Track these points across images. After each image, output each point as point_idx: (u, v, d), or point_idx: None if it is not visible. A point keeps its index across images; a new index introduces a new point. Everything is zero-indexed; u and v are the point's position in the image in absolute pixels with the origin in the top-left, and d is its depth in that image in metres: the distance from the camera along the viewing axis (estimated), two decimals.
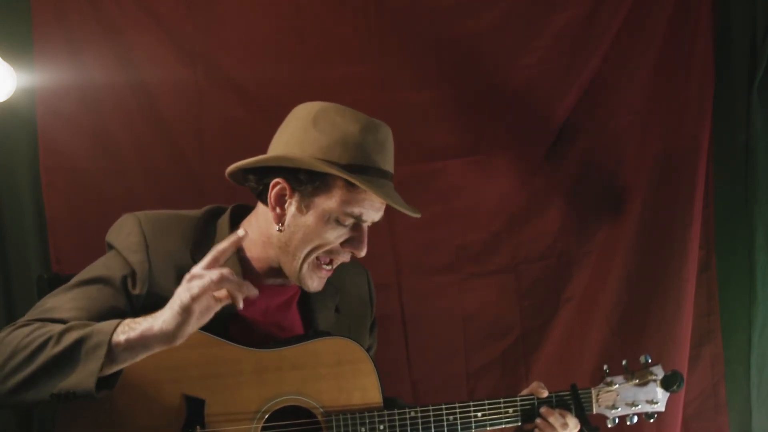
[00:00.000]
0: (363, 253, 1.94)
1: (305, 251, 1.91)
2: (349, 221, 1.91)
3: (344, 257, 1.96)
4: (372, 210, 1.92)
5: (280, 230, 1.92)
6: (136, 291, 1.87)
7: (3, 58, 2.42)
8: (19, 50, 2.57)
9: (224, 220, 2.01)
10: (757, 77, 2.75)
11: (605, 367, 2.17)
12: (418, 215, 1.99)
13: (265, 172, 1.92)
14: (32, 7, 2.62)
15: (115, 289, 1.86)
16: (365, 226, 1.95)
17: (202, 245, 1.92)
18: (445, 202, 2.88)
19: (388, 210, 2.85)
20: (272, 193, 1.90)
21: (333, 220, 1.89)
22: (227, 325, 1.91)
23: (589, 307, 2.88)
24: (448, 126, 2.86)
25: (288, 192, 1.90)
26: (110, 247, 1.95)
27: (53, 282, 2.01)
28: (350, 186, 1.87)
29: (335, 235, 1.91)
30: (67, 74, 2.63)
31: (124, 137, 2.71)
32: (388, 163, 1.96)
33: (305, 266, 1.92)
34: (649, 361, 2.15)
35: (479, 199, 2.88)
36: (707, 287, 2.86)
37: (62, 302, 1.81)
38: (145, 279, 1.87)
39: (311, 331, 2.04)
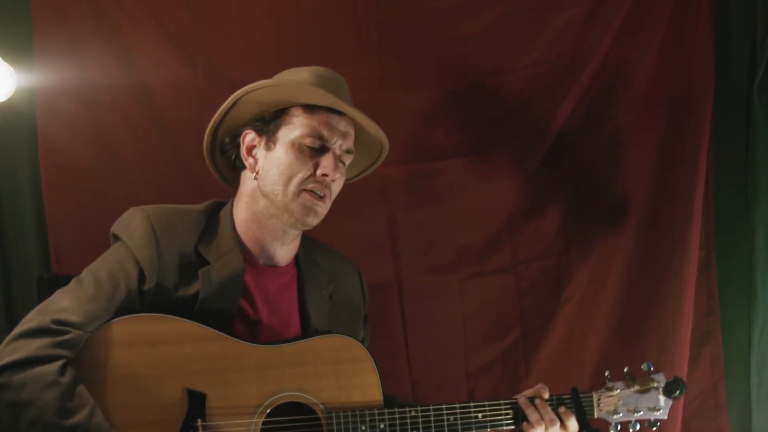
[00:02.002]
0: (333, 174, 1.98)
1: (284, 184, 1.97)
2: (316, 144, 1.98)
3: (322, 186, 1.99)
4: (336, 133, 2.00)
5: (256, 177, 2.00)
6: (146, 287, 1.90)
7: (3, 58, 2.43)
8: (19, 50, 2.58)
9: (226, 211, 2.07)
10: (757, 77, 2.75)
11: (607, 372, 2.17)
12: (372, 128, 2.05)
13: (235, 137, 2.04)
14: (32, 7, 2.64)
15: (129, 288, 1.89)
16: (335, 149, 2.00)
17: (208, 236, 2.00)
18: (445, 202, 2.88)
19: (388, 210, 2.87)
20: (244, 146, 2.02)
21: (300, 146, 1.98)
22: (231, 317, 1.95)
23: (589, 307, 2.87)
24: (448, 126, 2.86)
25: (256, 138, 2.01)
26: (116, 238, 1.97)
27: (53, 282, 2.02)
28: (308, 110, 1.98)
29: (303, 161, 1.97)
30: (67, 74, 2.63)
31: (124, 137, 2.72)
32: (344, 96, 2.02)
33: (295, 202, 1.97)
34: (651, 368, 2.15)
35: (479, 199, 2.88)
36: (707, 287, 2.85)
37: (77, 302, 1.83)
38: (153, 273, 1.90)
39: (312, 328, 2.06)
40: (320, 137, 1.98)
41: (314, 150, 1.98)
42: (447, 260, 2.89)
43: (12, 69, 2.45)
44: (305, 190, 1.98)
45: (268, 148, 2.00)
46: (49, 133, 2.65)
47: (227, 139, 2.07)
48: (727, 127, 2.82)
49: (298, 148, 1.97)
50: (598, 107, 2.87)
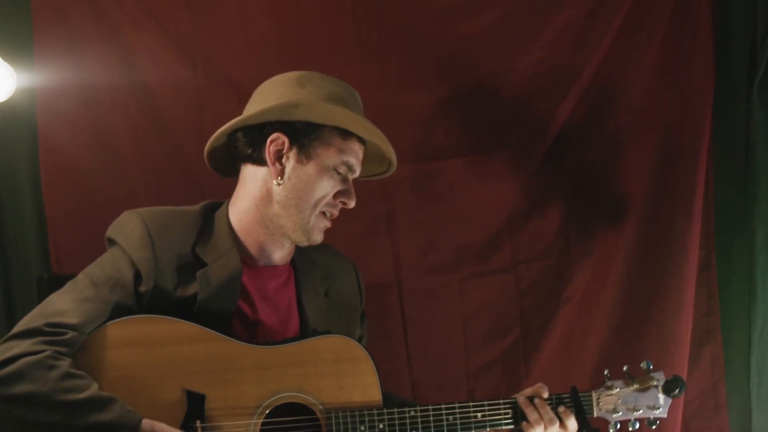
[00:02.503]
0: (353, 203, 2.03)
1: (311, 203, 1.99)
2: (343, 170, 2.01)
3: (336, 210, 2.04)
4: (358, 162, 2.04)
5: (279, 184, 1.98)
6: (143, 288, 1.89)
7: (3, 58, 2.43)
8: (19, 50, 2.58)
9: (222, 212, 2.06)
10: (757, 77, 2.75)
11: (606, 371, 2.17)
12: (391, 154, 2.10)
13: (257, 132, 1.99)
14: (32, 7, 2.64)
15: (126, 290, 1.89)
16: (352, 178, 2.04)
17: (204, 237, 1.99)
18: (445, 202, 2.88)
19: (388, 210, 2.87)
20: (270, 148, 1.97)
21: (331, 169, 1.99)
22: (229, 318, 1.95)
23: (589, 307, 2.87)
24: (448, 126, 2.86)
25: (286, 146, 1.97)
26: (111, 242, 1.97)
27: (53, 282, 2.01)
28: (344, 135, 1.99)
29: (332, 186, 2.00)
30: (67, 74, 2.64)
31: (124, 137, 2.72)
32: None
33: (312, 219, 2.00)
34: (651, 367, 2.14)
35: (479, 199, 2.88)
36: (707, 287, 2.86)
37: (73, 305, 1.83)
38: (151, 275, 1.90)
39: (311, 328, 2.05)
40: (350, 167, 2.02)
41: (340, 176, 2.01)
42: (447, 260, 2.89)
43: (12, 69, 2.45)
44: (322, 212, 2.01)
45: (299, 161, 1.97)
46: (49, 133, 2.65)
47: (240, 137, 2.01)
48: (727, 127, 2.82)
49: (332, 172, 1.99)
50: (598, 107, 2.87)
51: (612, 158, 2.87)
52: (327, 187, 1.99)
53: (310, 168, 1.98)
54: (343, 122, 1.98)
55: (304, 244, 2.04)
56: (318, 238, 2.03)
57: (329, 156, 1.98)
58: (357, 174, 2.06)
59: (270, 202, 2.00)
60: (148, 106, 2.72)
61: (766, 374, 2.80)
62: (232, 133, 2.03)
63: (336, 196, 2.01)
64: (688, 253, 2.79)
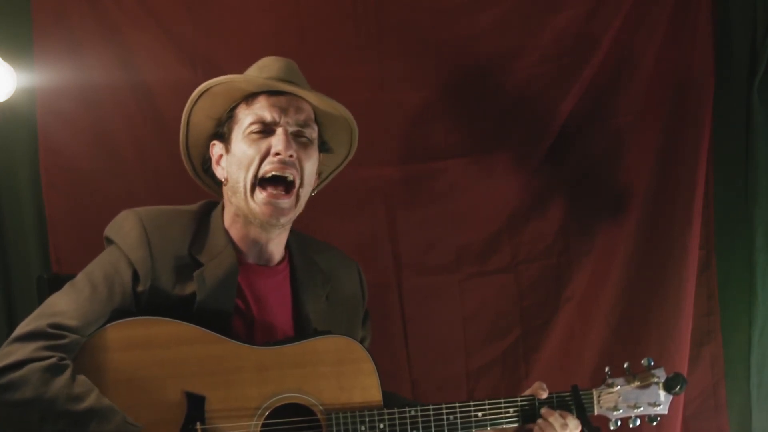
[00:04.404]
0: (284, 151, 1.93)
1: (244, 179, 1.95)
2: (264, 128, 1.96)
3: (275, 165, 1.94)
4: (279, 112, 1.96)
5: (225, 184, 2.01)
6: (141, 288, 1.89)
7: (3, 58, 2.43)
8: (19, 50, 2.58)
9: (217, 212, 2.06)
10: (757, 77, 2.76)
11: (607, 369, 2.17)
12: (318, 100, 2.02)
13: (208, 156, 2.07)
14: (32, 7, 2.64)
15: (124, 290, 1.89)
16: (285, 126, 1.96)
17: (200, 237, 2.00)
18: (445, 202, 2.88)
19: (388, 210, 2.87)
20: (213, 157, 2.03)
21: (249, 135, 1.96)
22: (229, 316, 1.94)
23: (589, 307, 2.88)
24: (448, 126, 2.87)
25: (220, 146, 2.02)
26: (109, 241, 1.97)
27: (53, 282, 2.01)
28: (249, 100, 1.98)
29: (254, 147, 1.95)
30: (67, 74, 2.64)
31: (124, 137, 2.72)
32: (291, 76, 2.02)
33: (254, 200, 1.95)
34: (652, 363, 2.15)
35: (479, 199, 2.88)
36: (707, 287, 2.86)
37: (73, 306, 1.83)
38: (147, 275, 1.89)
39: (312, 329, 2.05)
40: (263, 121, 1.96)
41: (263, 135, 1.96)
42: (447, 260, 2.89)
43: (12, 69, 2.45)
44: (263, 185, 1.94)
45: (227, 151, 2.00)
46: (49, 133, 2.66)
47: (207, 156, 2.07)
48: (727, 127, 2.82)
49: (247, 137, 1.96)
50: (598, 107, 2.87)
51: (612, 158, 2.88)
52: (249, 151, 1.95)
53: (234, 149, 1.98)
54: (237, 91, 1.98)
55: (268, 228, 1.99)
56: (272, 219, 1.95)
57: (240, 127, 1.97)
58: (288, 121, 1.96)
59: (233, 203, 2.01)
60: (148, 106, 2.73)
61: (766, 374, 2.80)
62: (203, 164, 2.09)
63: (271, 152, 1.96)
64: (688, 253, 2.80)
